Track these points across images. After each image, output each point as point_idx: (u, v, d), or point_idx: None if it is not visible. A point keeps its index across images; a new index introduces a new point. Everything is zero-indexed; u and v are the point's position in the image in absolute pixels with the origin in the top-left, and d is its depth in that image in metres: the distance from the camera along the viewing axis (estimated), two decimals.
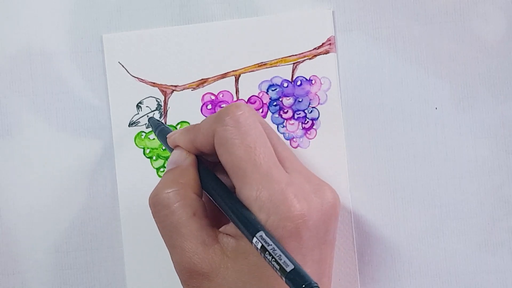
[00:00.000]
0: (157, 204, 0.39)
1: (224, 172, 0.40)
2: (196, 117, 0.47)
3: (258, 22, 0.47)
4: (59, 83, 0.48)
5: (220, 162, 0.40)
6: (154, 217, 0.40)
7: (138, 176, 0.47)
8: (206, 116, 0.47)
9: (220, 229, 0.40)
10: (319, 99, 0.47)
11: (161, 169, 0.47)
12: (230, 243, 0.38)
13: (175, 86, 0.47)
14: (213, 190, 0.40)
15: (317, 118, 0.47)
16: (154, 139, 0.47)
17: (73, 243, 0.47)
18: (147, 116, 0.47)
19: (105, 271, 0.47)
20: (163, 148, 0.47)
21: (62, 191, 0.47)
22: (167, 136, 0.43)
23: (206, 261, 0.38)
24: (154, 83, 0.47)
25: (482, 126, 0.47)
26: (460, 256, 0.47)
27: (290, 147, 0.47)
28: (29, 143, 0.47)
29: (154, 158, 0.47)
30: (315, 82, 0.47)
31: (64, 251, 0.47)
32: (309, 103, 0.47)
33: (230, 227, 0.39)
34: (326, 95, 0.47)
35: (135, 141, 0.47)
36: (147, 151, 0.47)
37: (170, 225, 0.39)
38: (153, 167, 0.47)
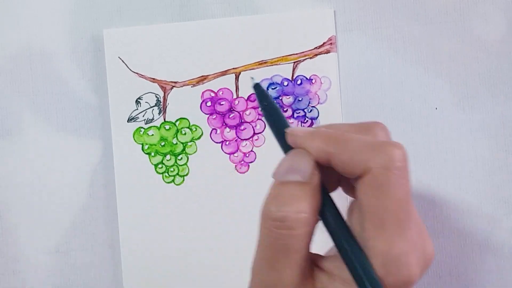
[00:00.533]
0: (279, 219, 0.34)
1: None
2: (195, 114, 0.47)
3: (259, 20, 0.47)
4: (59, 83, 0.48)
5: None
6: (264, 228, 0.35)
7: (136, 172, 0.47)
8: (205, 114, 0.47)
9: (321, 257, 0.36)
10: (319, 99, 0.47)
11: (159, 165, 0.47)
12: (324, 280, 0.35)
13: (175, 82, 0.47)
14: (336, 228, 0.35)
15: (317, 117, 0.47)
16: (152, 135, 0.47)
17: (73, 243, 0.47)
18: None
19: (105, 271, 0.47)
20: (162, 144, 0.47)
21: (62, 191, 0.47)
22: (289, 131, 0.36)
23: None
24: (154, 79, 0.47)
25: (482, 126, 0.47)
26: (460, 256, 0.47)
27: None
28: (29, 143, 0.47)
29: (152, 154, 0.47)
30: (315, 81, 0.47)
31: (64, 251, 0.47)
32: (309, 102, 0.47)
33: (330, 260, 0.36)
34: (326, 94, 0.47)
35: (133, 137, 0.47)
36: (146, 147, 0.47)
37: (281, 246, 0.34)
38: (151, 163, 0.47)
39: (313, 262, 0.36)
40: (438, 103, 0.47)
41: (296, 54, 0.47)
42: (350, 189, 0.37)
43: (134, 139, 0.47)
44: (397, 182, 0.33)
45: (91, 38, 0.48)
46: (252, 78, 0.39)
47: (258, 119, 0.47)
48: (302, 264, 0.35)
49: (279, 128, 0.37)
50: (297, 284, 0.34)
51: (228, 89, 0.47)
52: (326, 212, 0.35)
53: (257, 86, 0.38)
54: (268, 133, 0.46)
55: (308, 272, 0.35)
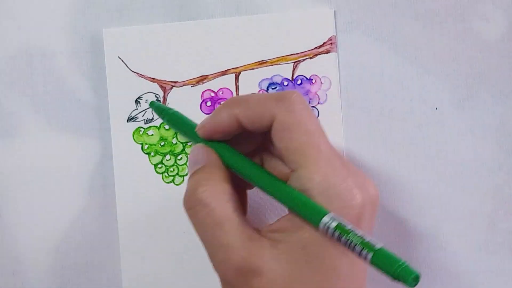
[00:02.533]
0: (194, 205, 0.38)
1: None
2: (195, 114, 0.47)
3: (259, 20, 0.47)
4: (59, 83, 0.48)
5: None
6: (192, 220, 0.38)
7: (136, 172, 0.47)
8: (205, 114, 0.47)
9: (263, 229, 0.38)
10: (319, 99, 0.47)
11: (159, 165, 0.47)
12: (279, 236, 0.37)
13: (175, 82, 0.47)
14: (261, 179, 0.39)
15: (317, 117, 0.47)
16: (152, 135, 0.47)
17: (73, 243, 0.47)
18: (149, 106, 0.47)
19: (104, 271, 0.47)
20: (162, 144, 0.47)
21: (62, 191, 0.47)
22: (197, 129, 0.41)
23: (256, 255, 0.36)
24: (153, 78, 0.47)
25: (482, 126, 0.47)
26: (460, 256, 0.47)
27: None
28: (29, 143, 0.47)
29: (152, 154, 0.47)
30: (315, 81, 0.47)
31: (64, 251, 0.47)
32: (309, 102, 0.47)
33: (275, 225, 0.38)
34: (326, 94, 0.47)
35: (133, 136, 0.47)
36: (145, 147, 0.47)
37: (212, 223, 0.37)
38: (151, 163, 0.47)
39: (263, 229, 0.38)
40: (438, 103, 0.47)
41: (296, 54, 0.47)
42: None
43: (134, 139, 0.47)
44: (301, 121, 0.37)
45: (91, 38, 0.48)
46: (146, 100, 0.47)
47: None
48: (243, 229, 0.37)
49: (188, 130, 0.42)
50: (249, 246, 0.37)
51: (228, 89, 0.47)
52: (251, 173, 0.39)
53: (151, 104, 0.45)
54: None
55: (258, 234, 0.37)
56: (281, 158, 0.39)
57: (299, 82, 0.47)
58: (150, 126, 0.47)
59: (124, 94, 0.47)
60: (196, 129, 0.41)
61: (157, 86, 0.47)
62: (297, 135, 0.37)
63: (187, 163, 0.42)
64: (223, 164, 0.39)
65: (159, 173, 0.47)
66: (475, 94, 0.47)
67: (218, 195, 0.38)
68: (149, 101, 0.47)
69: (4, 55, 0.47)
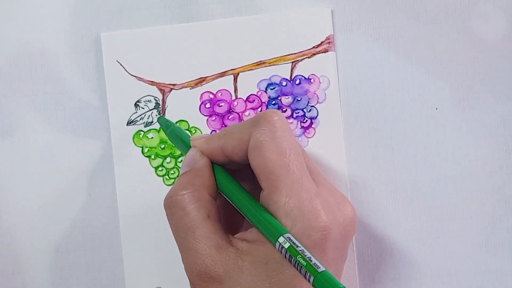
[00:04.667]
0: (172, 206, 0.39)
1: (243, 179, 0.41)
2: (194, 116, 0.47)
3: (257, 20, 0.47)
4: (59, 83, 0.48)
5: (242, 168, 0.41)
6: (168, 219, 0.40)
7: (136, 175, 0.47)
8: (204, 116, 0.47)
9: (236, 236, 0.40)
10: (318, 98, 0.47)
11: (160, 168, 0.47)
12: (246, 247, 0.38)
13: (174, 84, 0.47)
14: (233, 194, 0.40)
15: (316, 117, 0.47)
16: (152, 138, 0.47)
17: (73, 243, 0.47)
18: (155, 115, 0.47)
19: (105, 271, 0.47)
20: (162, 147, 0.47)
21: (62, 191, 0.47)
22: (191, 140, 0.42)
23: (219, 263, 0.38)
24: (152, 81, 0.47)
25: (482, 126, 0.47)
26: (460, 256, 0.47)
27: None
28: (29, 143, 0.47)
29: (152, 157, 0.47)
30: (314, 81, 0.47)
31: (64, 251, 0.47)
32: (308, 102, 0.47)
33: (248, 233, 0.39)
34: (325, 94, 0.47)
35: (133, 140, 0.47)
36: (146, 150, 0.47)
37: (184, 226, 0.39)
38: (152, 166, 0.47)
39: (235, 237, 0.39)
40: (438, 103, 0.47)
41: (294, 54, 0.47)
42: None
43: (134, 142, 0.47)
44: (273, 139, 0.38)
45: (91, 38, 0.48)
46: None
47: None
48: (212, 237, 0.38)
49: (176, 137, 0.44)
50: (214, 254, 0.38)
51: (226, 90, 0.47)
52: (226, 187, 0.40)
53: (159, 119, 0.47)
54: None
55: (226, 243, 0.39)
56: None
57: (297, 81, 0.47)
58: (150, 129, 0.47)
59: (123, 97, 0.47)
60: (192, 139, 0.42)
61: (156, 89, 0.47)
62: (267, 153, 0.38)
63: (181, 165, 0.43)
64: (211, 172, 0.40)
65: (160, 176, 0.47)
66: (475, 94, 0.47)
67: (195, 201, 0.39)
68: (158, 116, 0.47)
69: (4, 55, 0.47)
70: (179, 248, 0.40)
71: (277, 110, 0.40)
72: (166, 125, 0.45)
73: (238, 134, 0.40)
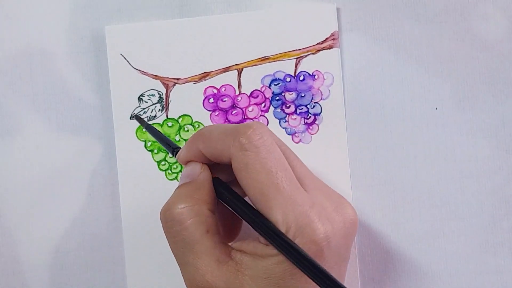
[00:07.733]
0: (169, 220, 0.39)
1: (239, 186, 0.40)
2: (198, 111, 0.47)
3: (261, 16, 0.47)
4: (59, 83, 0.48)
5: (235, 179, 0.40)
6: (165, 232, 0.39)
7: (139, 169, 0.47)
8: (208, 111, 0.47)
9: (234, 246, 0.39)
10: (322, 94, 0.47)
11: (162, 163, 0.47)
12: (246, 261, 0.38)
13: (177, 79, 0.47)
14: (237, 205, 0.39)
15: (320, 113, 0.47)
16: None
17: (73, 243, 0.47)
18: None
19: (105, 271, 0.47)
20: None
21: (62, 191, 0.47)
22: (177, 156, 0.42)
23: (220, 278, 0.37)
24: (156, 75, 0.47)
25: (482, 126, 0.47)
26: (460, 256, 0.47)
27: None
28: (29, 143, 0.47)
29: (155, 151, 0.47)
30: (318, 77, 0.47)
31: (64, 251, 0.47)
32: (312, 98, 0.47)
33: (245, 244, 0.39)
34: (329, 90, 0.47)
35: (136, 134, 0.47)
36: (148, 144, 0.47)
37: (182, 241, 0.38)
38: (154, 160, 0.47)
39: (233, 248, 0.39)
40: (438, 103, 0.47)
41: (299, 50, 0.47)
42: None
43: (137, 136, 0.47)
44: (257, 159, 0.37)
45: (92, 37, 0.48)
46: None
47: (260, 115, 0.47)
48: (212, 252, 0.38)
49: (153, 132, 0.45)
50: (214, 269, 0.37)
51: (230, 85, 0.47)
52: (230, 200, 0.39)
53: (136, 117, 0.47)
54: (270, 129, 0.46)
55: (226, 257, 0.38)
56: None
57: (301, 78, 0.47)
58: (153, 123, 0.47)
59: (127, 91, 0.47)
60: (176, 157, 0.42)
61: (160, 83, 0.47)
62: (253, 174, 0.38)
63: (180, 175, 0.43)
64: (211, 185, 0.40)
65: (162, 170, 0.47)
66: (475, 94, 0.47)
67: (194, 215, 0.38)
68: (133, 114, 0.47)
69: (4, 55, 0.47)
70: (177, 262, 0.39)
71: (255, 124, 0.39)
72: (143, 124, 0.46)
73: (218, 145, 0.39)
